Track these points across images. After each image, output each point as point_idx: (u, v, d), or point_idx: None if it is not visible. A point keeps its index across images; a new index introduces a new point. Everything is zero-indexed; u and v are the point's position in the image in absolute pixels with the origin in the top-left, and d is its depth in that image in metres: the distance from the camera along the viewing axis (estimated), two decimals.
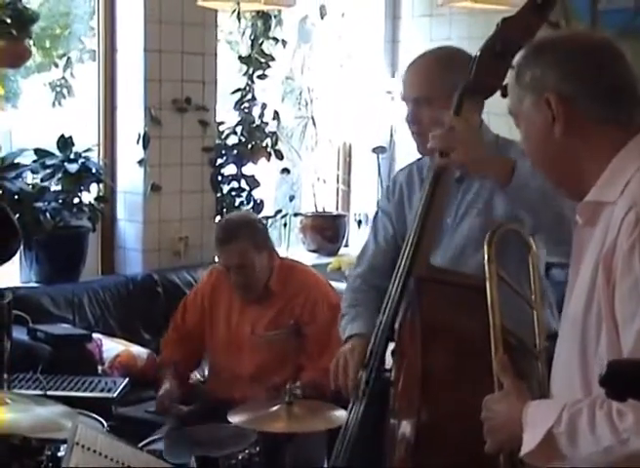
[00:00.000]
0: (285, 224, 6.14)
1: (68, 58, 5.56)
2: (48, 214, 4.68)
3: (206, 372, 3.89)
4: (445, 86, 2.46)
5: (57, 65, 5.76)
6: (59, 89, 5.54)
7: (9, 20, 4.42)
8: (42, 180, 4.74)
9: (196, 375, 3.95)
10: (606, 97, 1.69)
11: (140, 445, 2.70)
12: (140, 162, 5.00)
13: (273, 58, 5.60)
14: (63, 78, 5.54)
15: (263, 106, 5.60)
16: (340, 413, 2.66)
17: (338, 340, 3.41)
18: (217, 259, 3.69)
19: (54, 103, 5.57)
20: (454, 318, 2.26)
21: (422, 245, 2.39)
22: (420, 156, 2.72)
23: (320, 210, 6.37)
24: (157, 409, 3.53)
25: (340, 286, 5.00)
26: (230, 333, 3.61)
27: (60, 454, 2.32)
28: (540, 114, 1.71)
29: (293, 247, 6.38)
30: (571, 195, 1.79)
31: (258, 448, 2.79)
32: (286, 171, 6.09)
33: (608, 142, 1.68)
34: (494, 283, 1.89)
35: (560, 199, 2.04)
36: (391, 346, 2.49)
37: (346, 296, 2.82)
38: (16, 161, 4.69)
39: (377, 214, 2.86)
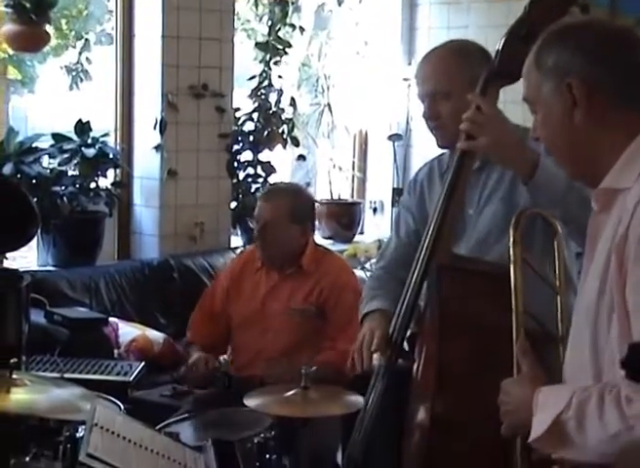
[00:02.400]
0: None
1: (86, 40, 5.57)
2: (65, 199, 4.71)
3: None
4: (462, 78, 2.44)
5: (74, 46, 5.77)
6: (74, 73, 5.55)
7: (28, 5, 4.44)
8: (59, 165, 4.75)
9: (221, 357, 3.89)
10: (629, 83, 1.68)
11: (158, 427, 2.71)
12: (157, 147, 5.01)
13: (290, 45, 5.60)
14: (79, 62, 5.56)
15: (280, 93, 5.60)
16: (357, 398, 2.67)
17: (357, 329, 3.42)
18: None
19: (71, 86, 5.58)
20: (473, 306, 2.26)
21: (444, 232, 2.38)
22: (441, 152, 2.71)
23: (335, 197, 6.38)
24: (186, 375, 3.51)
25: (356, 273, 5.03)
26: (257, 310, 3.58)
27: (78, 435, 2.33)
28: (561, 99, 1.70)
29: None
30: (587, 182, 1.78)
31: (273, 433, 2.80)
32: (302, 157, 6.09)
33: (626, 128, 1.67)
34: (518, 267, 1.88)
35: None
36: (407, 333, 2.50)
37: (366, 284, 2.83)
38: (33, 145, 4.70)
39: (399, 210, 2.87)
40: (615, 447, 1.50)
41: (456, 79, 2.49)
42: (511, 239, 1.89)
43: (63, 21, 5.91)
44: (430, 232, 2.40)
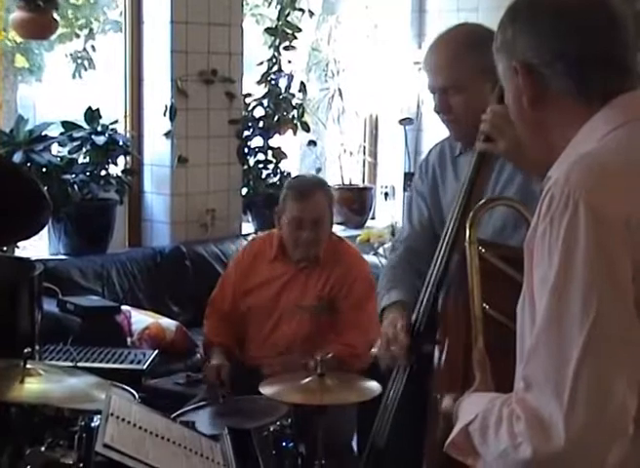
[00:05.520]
0: None
1: (90, 29, 5.55)
2: (76, 187, 4.69)
3: None
4: (474, 69, 2.32)
5: (78, 36, 5.75)
6: (79, 60, 5.54)
7: None
8: (70, 153, 4.74)
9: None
10: (579, 69, 1.47)
11: (173, 416, 2.70)
12: (167, 134, 4.99)
13: (300, 30, 5.56)
14: (85, 50, 5.54)
15: (290, 78, 5.56)
16: (373, 385, 2.65)
17: (368, 319, 3.34)
18: (286, 215, 3.48)
19: (74, 75, 5.56)
20: (498, 292, 2.23)
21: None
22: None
23: (346, 182, 6.35)
24: (205, 379, 3.42)
25: (369, 258, 5.01)
26: (270, 304, 3.51)
27: (93, 425, 2.31)
28: (511, 81, 1.55)
29: None
30: (544, 169, 1.58)
31: (290, 420, 2.79)
32: (312, 143, 6.06)
33: (577, 116, 1.48)
34: (475, 267, 1.78)
35: None
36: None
37: (384, 273, 2.77)
38: (43, 133, 4.67)
39: (411, 194, 2.78)
40: (505, 465, 1.38)
41: (466, 71, 2.36)
42: (467, 237, 1.78)
43: (70, 9, 5.88)
44: (452, 222, 2.35)
